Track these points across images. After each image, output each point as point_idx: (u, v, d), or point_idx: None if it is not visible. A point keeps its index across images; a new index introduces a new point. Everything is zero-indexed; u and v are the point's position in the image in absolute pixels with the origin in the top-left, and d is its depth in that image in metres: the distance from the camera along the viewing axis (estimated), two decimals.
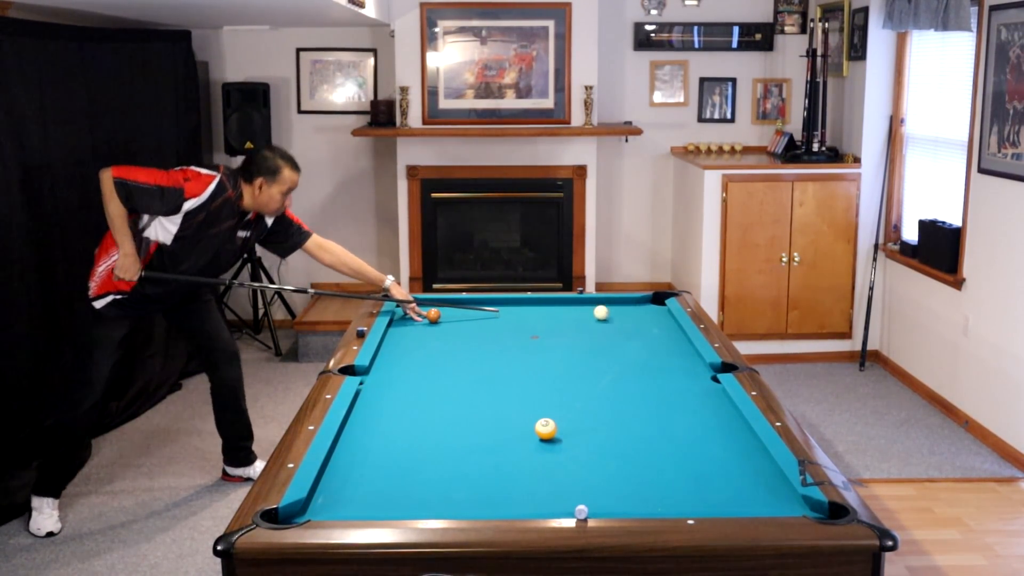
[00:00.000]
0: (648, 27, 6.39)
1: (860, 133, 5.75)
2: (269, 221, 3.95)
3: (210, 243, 3.77)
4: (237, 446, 4.27)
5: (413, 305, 3.92)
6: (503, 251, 6.54)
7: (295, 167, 3.81)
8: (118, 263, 3.64)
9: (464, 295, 4.37)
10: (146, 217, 3.67)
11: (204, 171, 3.70)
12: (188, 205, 3.63)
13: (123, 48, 5.11)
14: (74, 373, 3.91)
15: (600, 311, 3.86)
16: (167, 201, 3.61)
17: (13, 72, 4.13)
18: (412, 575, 2.01)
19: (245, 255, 5.87)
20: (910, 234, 5.59)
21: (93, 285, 3.76)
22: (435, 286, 6.25)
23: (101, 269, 3.74)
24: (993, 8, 4.48)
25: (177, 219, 3.65)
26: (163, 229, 3.68)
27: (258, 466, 4.27)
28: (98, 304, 3.76)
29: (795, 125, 6.39)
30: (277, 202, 3.79)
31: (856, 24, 5.78)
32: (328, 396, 2.86)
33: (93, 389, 3.81)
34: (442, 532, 2.07)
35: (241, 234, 3.87)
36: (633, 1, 6.38)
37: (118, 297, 3.76)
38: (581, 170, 6.20)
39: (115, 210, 3.59)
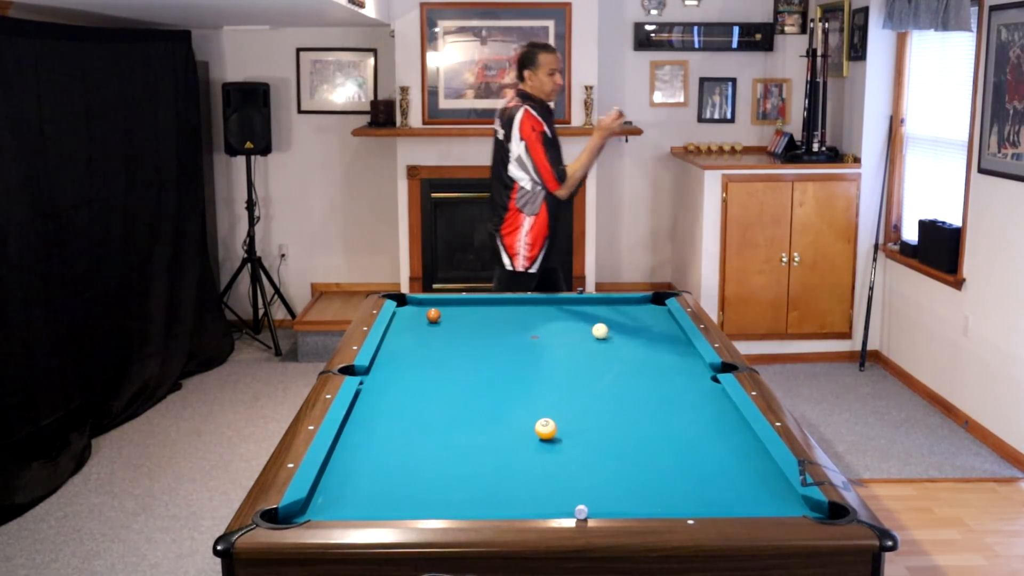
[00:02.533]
0: (648, 27, 6.39)
1: (860, 133, 5.75)
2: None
3: (558, 143, 4.48)
4: None
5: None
6: None
7: (548, 49, 4.44)
8: (605, 126, 4.36)
9: (464, 295, 4.37)
10: (524, 176, 4.41)
11: (520, 114, 4.33)
12: (549, 133, 4.37)
13: (123, 48, 5.12)
14: None
15: (599, 330, 3.62)
16: (551, 144, 4.36)
17: (13, 72, 4.13)
18: (412, 575, 2.01)
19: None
20: (910, 234, 5.59)
21: (521, 259, 4.48)
22: (435, 286, 6.25)
23: (521, 243, 4.47)
24: (993, 8, 4.48)
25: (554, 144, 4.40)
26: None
27: None
28: (533, 268, 4.50)
29: (795, 125, 6.39)
30: (548, 84, 4.41)
31: (856, 24, 5.78)
32: (328, 396, 2.85)
33: None
34: (442, 532, 2.07)
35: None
36: (633, 1, 6.38)
37: (545, 250, 4.49)
38: None
39: (583, 167, 4.41)
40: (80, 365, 4.61)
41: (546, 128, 4.35)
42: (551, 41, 5.99)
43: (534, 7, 5.99)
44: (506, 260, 4.53)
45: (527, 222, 4.46)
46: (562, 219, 4.63)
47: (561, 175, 4.38)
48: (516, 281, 4.51)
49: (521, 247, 4.49)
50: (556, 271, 4.68)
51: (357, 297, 6.42)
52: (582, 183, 4.52)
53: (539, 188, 4.41)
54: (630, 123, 4.44)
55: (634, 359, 3.40)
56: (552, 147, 4.36)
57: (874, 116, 5.70)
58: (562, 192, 4.40)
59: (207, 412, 5.17)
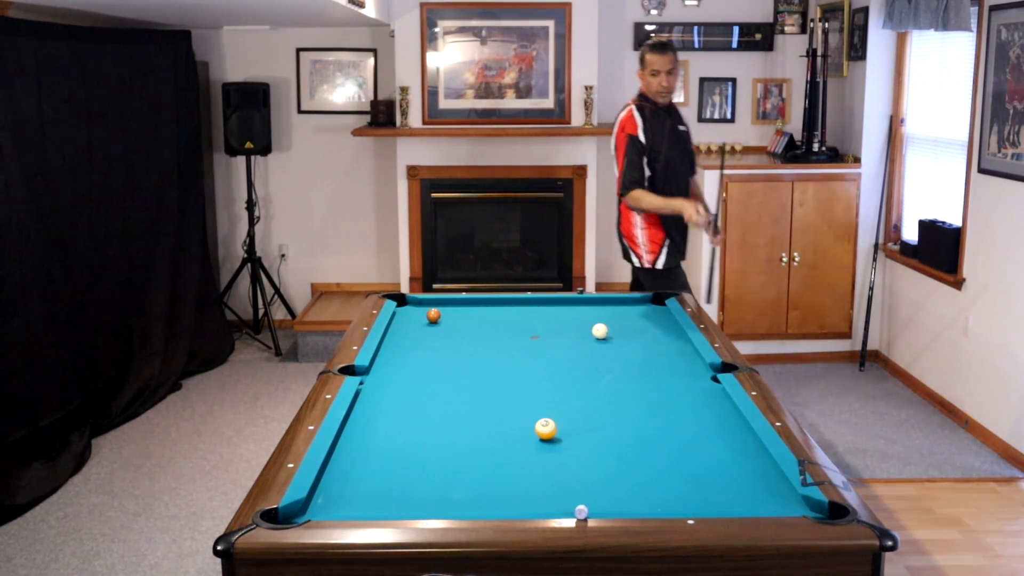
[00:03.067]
0: (648, 27, 6.38)
1: (860, 133, 5.75)
2: (687, 123, 4.58)
3: (672, 144, 4.38)
4: None
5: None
6: (503, 251, 6.54)
7: (655, 49, 4.32)
8: (688, 217, 4.17)
9: (464, 295, 4.37)
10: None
11: (623, 113, 4.37)
12: (642, 137, 4.29)
13: (123, 48, 5.12)
14: None
15: (599, 330, 3.62)
16: (639, 150, 4.29)
17: (13, 72, 4.14)
18: (412, 575, 2.01)
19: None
20: (910, 234, 5.59)
21: (646, 255, 4.42)
22: (435, 286, 6.25)
23: (639, 239, 4.41)
24: (993, 8, 4.48)
25: (646, 151, 4.30)
26: (644, 169, 4.32)
27: None
28: (660, 264, 4.42)
29: (795, 125, 6.39)
30: (653, 85, 4.33)
31: (856, 24, 5.78)
32: (328, 396, 2.86)
33: None
34: (442, 532, 2.07)
35: (681, 128, 4.49)
36: (633, 1, 6.38)
37: (670, 243, 4.41)
38: (581, 170, 6.20)
39: (650, 204, 4.28)
40: (80, 365, 4.61)
41: (640, 132, 4.28)
42: (551, 41, 6.00)
43: (534, 7, 5.99)
44: (633, 258, 4.49)
45: (638, 219, 4.41)
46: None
47: (628, 185, 4.28)
48: (647, 277, 4.47)
49: (640, 243, 4.43)
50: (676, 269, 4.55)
51: (357, 297, 6.42)
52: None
53: (645, 185, 4.33)
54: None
55: (634, 359, 3.40)
56: (639, 152, 4.27)
57: (874, 116, 5.70)
58: (626, 201, 4.34)
59: (207, 412, 5.17)
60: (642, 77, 4.37)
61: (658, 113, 4.36)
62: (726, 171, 4.93)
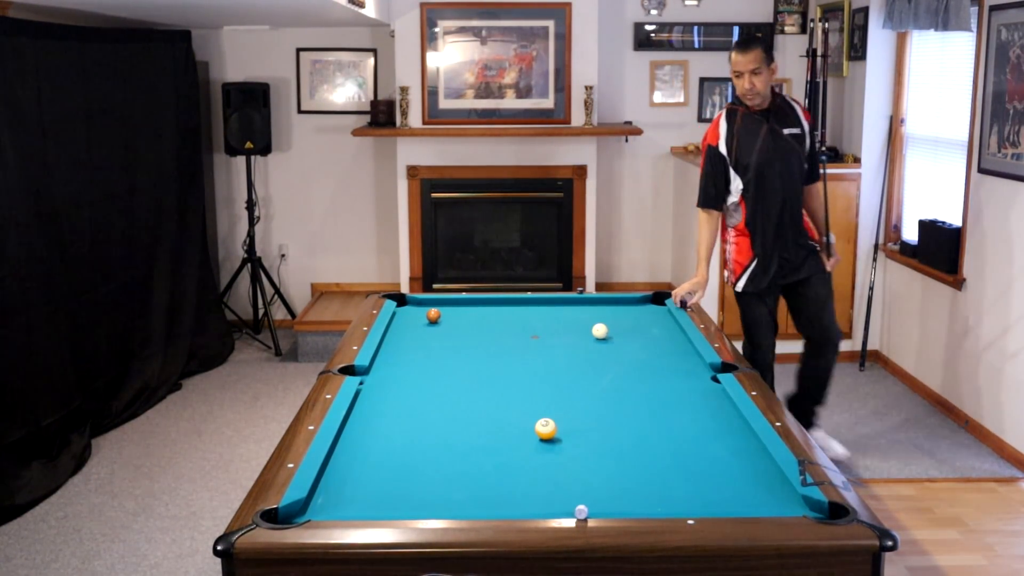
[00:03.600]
0: (648, 27, 6.39)
1: (860, 133, 5.75)
2: (804, 124, 4.11)
3: (766, 153, 3.97)
4: (805, 421, 4.33)
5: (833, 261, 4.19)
6: (503, 251, 6.54)
7: (737, 47, 3.96)
8: (676, 291, 4.01)
9: (464, 295, 4.37)
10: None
11: (714, 118, 4.11)
12: (722, 148, 3.99)
13: (123, 48, 5.12)
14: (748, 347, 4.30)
15: (599, 330, 3.63)
16: (716, 163, 4.00)
17: (13, 72, 4.13)
18: (412, 575, 2.01)
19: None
20: (910, 234, 5.59)
21: (729, 272, 4.17)
22: (435, 286, 6.26)
23: (729, 252, 4.15)
24: (993, 8, 4.48)
25: (731, 163, 3.99)
26: (733, 180, 4.02)
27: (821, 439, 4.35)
28: (739, 286, 4.13)
29: None
30: (738, 88, 3.97)
31: (856, 24, 5.78)
32: (328, 396, 2.86)
33: (765, 353, 4.26)
34: (442, 532, 2.07)
35: (787, 131, 4.01)
36: (633, 1, 6.38)
37: (757, 265, 4.06)
38: (581, 170, 6.20)
39: (697, 238, 4.11)
40: (80, 365, 4.61)
41: (721, 143, 3.97)
42: (551, 41, 6.00)
43: (534, 7, 5.99)
44: (726, 272, 4.23)
45: (730, 233, 4.12)
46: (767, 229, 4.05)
47: (703, 200, 4.04)
48: (736, 298, 4.19)
49: (727, 257, 4.16)
50: (797, 286, 4.17)
51: (357, 297, 6.42)
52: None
53: (737, 197, 4.04)
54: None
55: (634, 359, 3.40)
56: (714, 166, 3.99)
57: (874, 116, 5.70)
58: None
59: (207, 412, 5.17)
60: (733, 78, 4.03)
61: (751, 118, 3.98)
62: (829, 170, 4.47)
